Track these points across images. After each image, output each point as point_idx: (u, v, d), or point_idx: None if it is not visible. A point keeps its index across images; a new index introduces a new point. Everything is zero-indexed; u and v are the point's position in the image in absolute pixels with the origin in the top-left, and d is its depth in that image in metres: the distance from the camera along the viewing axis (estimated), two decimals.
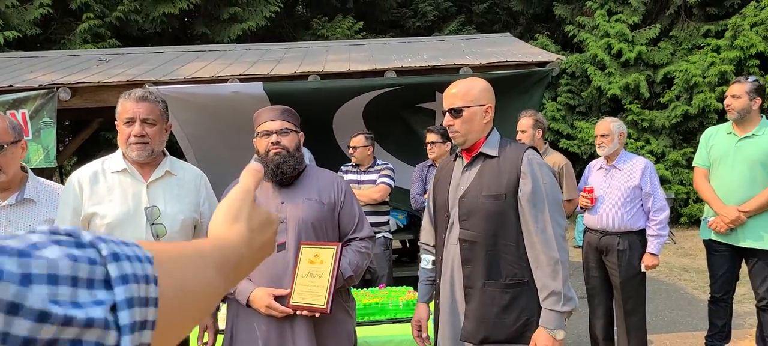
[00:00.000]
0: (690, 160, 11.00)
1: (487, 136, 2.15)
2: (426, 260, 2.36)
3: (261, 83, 4.51)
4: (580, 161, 12.00)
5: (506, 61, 4.85)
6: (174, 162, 2.29)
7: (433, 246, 2.35)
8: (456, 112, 2.10)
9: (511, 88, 4.56)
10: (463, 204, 2.11)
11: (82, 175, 2.13)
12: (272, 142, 2.21)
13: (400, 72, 4.83)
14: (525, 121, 3.96)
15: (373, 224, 2.45)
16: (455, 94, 2.12)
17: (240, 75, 4.86)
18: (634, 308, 3.61)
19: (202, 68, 5.42)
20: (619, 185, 3.60)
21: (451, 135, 2.16)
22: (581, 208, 3.80)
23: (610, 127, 3.69)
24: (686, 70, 10.38)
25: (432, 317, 2.34)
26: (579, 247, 8.73)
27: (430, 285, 2.35)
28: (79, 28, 8.42)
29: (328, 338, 2.20)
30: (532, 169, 2.04)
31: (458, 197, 2.14)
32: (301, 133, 2.36)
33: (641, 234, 3.57)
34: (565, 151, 11.64)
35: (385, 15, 14.61)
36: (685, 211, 10.43)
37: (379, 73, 4.84)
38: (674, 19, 11.49)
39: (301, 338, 2.13)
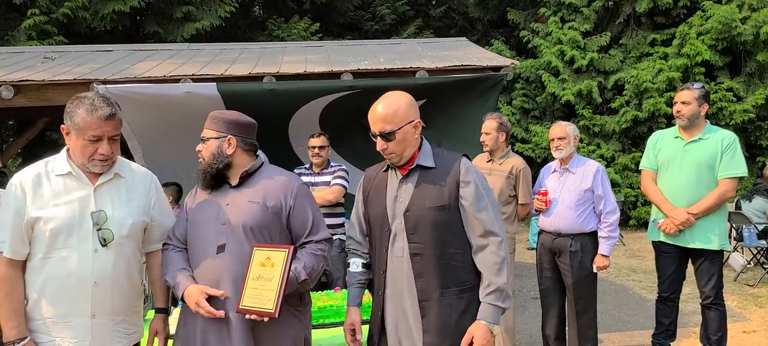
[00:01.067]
0: (638, 164, 11.44)
1: (419, 147, 2.21)
2: (355, 264, 2.34)
3: (215, 84, 4.42)
4: (534, 165, 12.30)
5: (462, 65, 4.93)
6: (122, 163, 2.23)
7: (366, 253, 2.35)
8: (388, 136, 2.12)
9: (467, 91, 4.64)
10: (409, 218, 2.13)
11: (24, 177, 2.04)
12: (198, 150, 2.26)
13: (356, 74, 4.84)
14: (489, 124, 4.01)
15: (327, 226, 2.43)
16: (384, 117, 2.12)
17: (193, 75, 4.77)
18: (585, 307, 3.70)
19: (153, 67, 5.28)
20: (572, 187, 3.69)
21: (386, 156, 2.18)
22: (536, 210, 3.87)
23: (566, 130, 3.79)
24: (636, 76, 10.80)
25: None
26: (533, 249, 8.95)
27: (362, 288, 2.33)
28: (23, 24, 8.05)
29: (269, 341, 2.16)
30: (471, 176, 2.14)
31: (402, 211, 2.15)
32: (230, 137, 2.26)
33: (593, 236, 3.68)
34: (519, 155, 11.90)
35: (342, 17, 14.62)
36: (633, 213, 10.84)
37: (335, 75, 4.83)
38: (624, 28, 11.95)
39: (238, 341, 2.10)
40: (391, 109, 2.13)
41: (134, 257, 2.20)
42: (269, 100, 4.45)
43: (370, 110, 2.18)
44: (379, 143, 2.15)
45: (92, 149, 2.03)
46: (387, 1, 15.20)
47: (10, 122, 6.48)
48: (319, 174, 4.52)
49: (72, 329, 2.04)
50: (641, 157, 4.05)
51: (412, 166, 2.19)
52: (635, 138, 11.27)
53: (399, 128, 2.12)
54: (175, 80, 4.65)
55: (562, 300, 3.85)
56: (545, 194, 3.78)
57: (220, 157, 2.23)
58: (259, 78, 4.75)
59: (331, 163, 4.58)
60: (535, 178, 4.12)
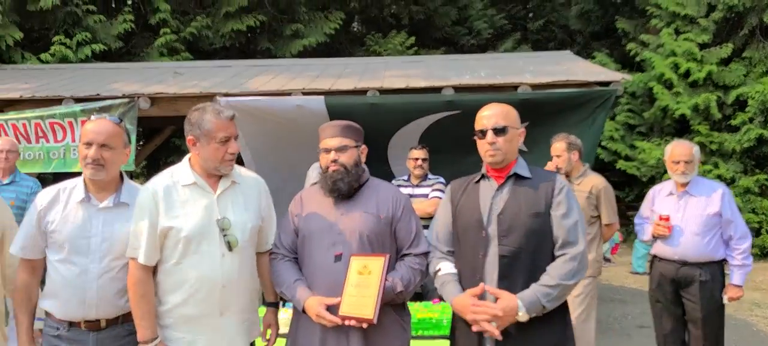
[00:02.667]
0: (764, 187, 10.43)
1: (517, 159, 2.29)
2: (446, 266, 2.31)
3: (323, 98, 4.68)
4: (639, 184, 11.61)
5: (567, 80, 4.84)
6: (235, 170, 2.37)
7: (453, 260, 2.35)
8: (500, 130, 2.21)
9: (572, 109, 4.51)
10: (502, 221, 2.18)
11: (155, 189, 2.21)
12: (331, 160, 2.33)
13: (457, 88, 4.92)
14: (558, 146, 3.92)
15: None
16: (497, 113, 2.24)
17: (303, 89, 5.09)
18: (714, 344, 3.44)
19: (267, 82, 5.70)
20: (697, 212, 3.44)
21: (491, 153, 2.23)
22: (654, 236, 3.62)
23: (692, 152, 3.51)
24: (762, 92, 9.88)
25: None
26: (637, 273, 8.45)
27: (459, 283, 2.28)
28: (156, 42, 9.01)
29: None
30: (567, 192, 2.22)
31: (496, 214, 2.20)
32: (364, 147, 2.45)
33: (722, 265, 3.43)
34: (622, 173, 11.30)
35: (439, 32, 14.72)
36: (757, 241, 9.86)
37: (436, 90, 4.94)
38: (748, 40, 10.99)
39: None
40: (504, 109, 2.25)
41: (252, 259, 2.36)
42: (372, 116, 4.62)
43: (482, 110, 2.28)
44: (489, 136, 2.20)
45: (223, 150, 2.20)
46: (484, 16, 15.11)
47: (140, 129, 7.24)
48: (417, 186, 4.64)
49: (203, 327, 2.22)
50: (767, 179, 3.72)
51: (509, 174, 2.25)
52: (759, 158, 10.29)
53: (511, 127, 2.21)
54: (287, 93, 5.00)
55: (683, 333, 3.58)
56: (667, 219, 3.50)
57: (360, 166, 2.36)
58: (363, 92, 4.98)
59: (429, 176, 4.68)
60: (640, 198, 3.93)
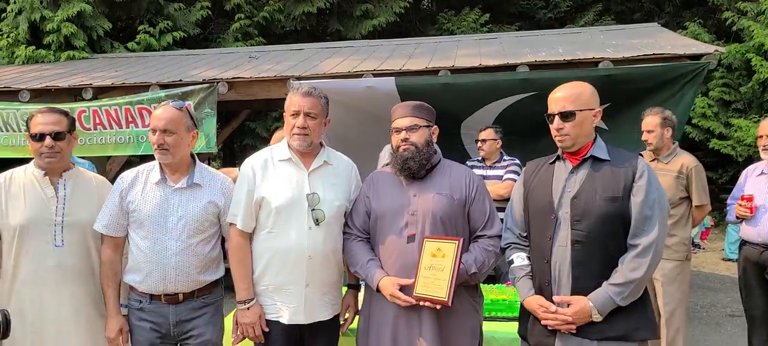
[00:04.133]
0: None
1: (594, 140, 2.18)
2: (520, 258, 2.27)
3: (393, 79, 4.65)
4: (734, 165, 10.77)
5: (653, 54, 4.52)
6: (330, 152, 2.49)
7: (527, 246, 2.29)
8: (567, 115, 2.12)
9: (659, 85, 4.21)
10: (576, 205, 2.09)
11: (254, 162, 2.39)
12: (402, 139, 2.33)
13: (533, 66, 4.72)
14: (652, 120, 3.68)
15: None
16: (565, 97, 2.14)
17: (373, 70, 5.07)
18: None
19: (338, 64, 5.74)
20: None
21: (559, 138, 2.16)
22: (737, 218, 3.47)
23: None
24: None
25: None
26: (730, 260, 7.88)
27: (531, 279, 2.23)
28: (231, 28, 9.33)
29: (453, 330, 2.26)
30: (649, 176, 2.07)
31: (569, 199, 2.12)
32: (435, 127, 2.43)
33: None
34: (716, 153, 10.52)
35: (513, 6, 14.20)
36: None
37: (511, 68, 4.77)
38: None
39: (427, 328, 2.22)
40: (575, 90, 2.15)
41: (339, 237, 2.42)
42: (444, 96, 4.53)
43: (554, 91, 2.19)
44: (556, 122, 2.14)
45: (292, 123, 2.31)
46: None
47: (218, 113, 7.57)
48: (491, 167, 4.52)
49: (290, 295, 2.33)
50: None
51: (586, 156, 2.15)
52: None
53: (580, 110, 2.11)
54: (358, 75, 5.00)
55: None
56: (750, 199, 3.34)
57: (431, 146, 2.35)
58: (434, 72, 4.89)
59: (504, 157, 4.55)
60: (735, 179, 3.66)
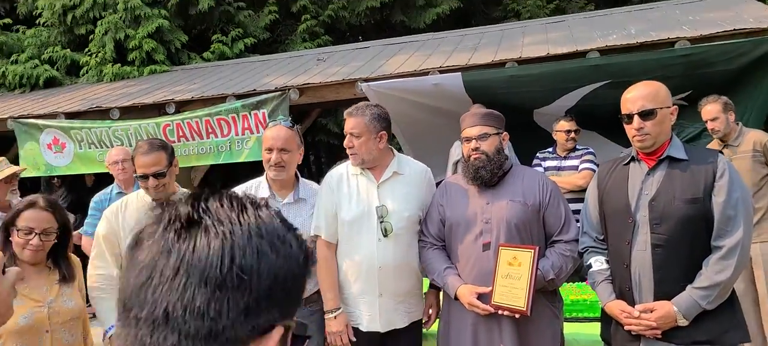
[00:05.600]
0: None
1: (670, 139, 2.13)
2: (598, 262, 2.25)
3: (460, 74, 4.65)
4: None
5: (735, 30, 4.25)
6: (401, 160, 2.57)
7: (605, 249, 2.26)
8: (647, 114, 2.08)
9: (744, 63, 3.94)
10: (654, 208, 2.05)
11: (332, 176, 2.55)
12: (472, 148, 2.36)
13: (603, 51, 4.57)
14: (712, 108, 3.57)
15: (575, 212, 2.44)
16: (644, 96, 2.11)
17: (440, 66, 5.09)
18: None
19: (405, 61, 5.80)
20: None
21: (639, 138, 2.11)
22: None
23: None
24: None
25: None
26: None
27: (611, 283, 2.21)
28: (298, 29, 9.59)
29: (534, 336, 2.29)
30: (730, 175, 2.01)
31: (647, 201, 2.08)
32: (505, 133, 2.44)
33: None
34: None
35: None
36: None
37: (580, 55, 4.64)
38: None
39: (506, 335, 2.26)
40: (651, 89, 2.12)
41: (412, 246, 2.49)
42: (513, 88, 4.48)
43: (626, 92, 2.17)
44: (636, 122, 2.09)
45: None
46: None
47: (291, 116, 7.86)
48: (565, 158, 4.45)
49: (366, 305, 2.46)
50: None
51: (662, 157, 2.11)
52: None
53: (660, 108, 2.08)
54: (424, 73, 5.04)
55: None
56: None
57: (502, 153, 2.39)
58: (501, 64, 4.85)
59: (578, 147, 4.46)
60: None
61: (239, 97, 5.60)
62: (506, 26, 7.23)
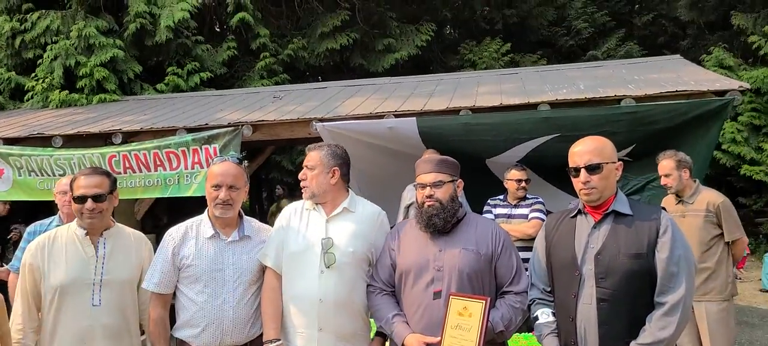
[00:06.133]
0: None
1: (616, 194, 2.17)
2: (545, 314, 2.24)
3: (415, 119, 4.69)
4: (767, 189, 10.48)
5: (676, 91, 4.48)
6: (355, 199, 2.56)
7: (552, 302, 2.27)
8: (594, 168, 2.12)
9: (682, 122, 4.17)
10: (600, 262, 2.07)
11: (288, 209, 2.55)
12: (426, 195, 2.34)
13: (554, 104, 4.71)
14: (666, 164, 3.70)
15: (524, 260, 2.44)
16: (591, 150, 2.15)
17: (395, 110, 5.13)
18: None
19: (361, 103, 5.82)
20: None
21: (586, 191, 2.15)
22: None
23: None
24: None
25: None
26: (767, 291, 7.60)
27: (557, 337, 2.21)
28: (257, 66, 9.55)
29: None
30: (673, 232, 2.04)
31: (593, 255, 2.10)
32: (460, 181, 2.44)
33: None
34: (748, 179, 10.26)
35: (534, 35, 14.20)
36: None
37: (532, 106, 4.77)
38: None
39: None
40: (598, 144, 2.17)
41: (356, 283, 2.43)
42: (466, 136, 4.55)
43: (574, 146, 2.21)
44: (583, 176, 2.13)
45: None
46: (584, 13, 14.36)
47: (243, 152, 7.73)
48: (516, 206, 4.50)
49: (304, 339, 2.37)
50: None
51: (607, 211, 2.15)
52: None
53: (606, 163, 2.12)
54: (380, 116, 5.06)
55: None
56: None
57: (456, 201, 2.37)
58: (455, 111, 4.92)
59: (528, 196, 4.52)
60: None
61: (190, 130, 5.46)
62: (462, 75, 7.41)
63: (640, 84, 4.99)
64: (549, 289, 2.27)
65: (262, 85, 9.01)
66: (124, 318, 2.51)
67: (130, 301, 2.54)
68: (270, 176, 11.57)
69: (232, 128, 5.36)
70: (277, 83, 9.28)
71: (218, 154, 5.27)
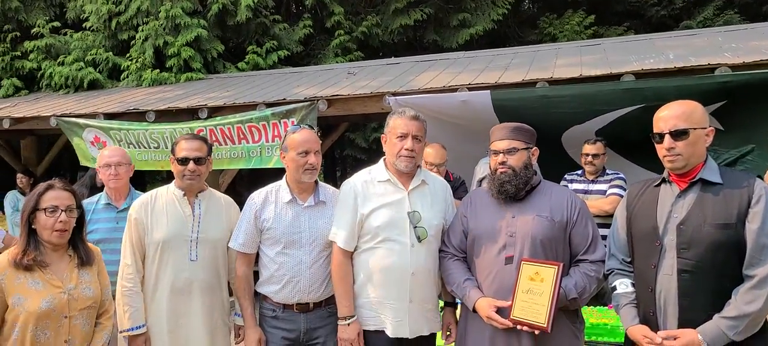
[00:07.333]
0: None
1: (705, 161, 2.05)
2: (624, 284, 2.19)
3: (489, 92, 4.61)
4: None
5: None
6: (425, 172, 2.58)
7: (631, 272, 2.19)
8: (680, 134, 2.01)
9: None
10: (682, 233, 1.99)
11: (355, 182, 2.53)
12: (499, 162, 2.33)
13: (639, 75, 4.46)
14: None
15: (602, 238, 2.38)
16: (678, 115, 2.04)
17: (468, 84, 5.06)
18: None
19: (434, 78, 5.78)
20: None
21: (670, 158, 2.05)
22: None
23: None
24: None
25: None
26: None
27: (636, 307, 2.15)
28: (331, 43, 9.70)
29: None
30: (766, 201, 1.91)
31: (675, 225, 2.01)
32: (535, 149, 2.40)
33: None
34: None
35: (620, 5, 13.34)
36: None
37: (615, 77, 4.53)
38: None
39: None
40: (687, 108, 2.05)
41: (436, 254, 2.49)
42: (542, 109, 4.41)
43: (659, 110, 2.10)
44: (667, 142, 2.04)
45: (400, 146, 2.40)
46: None
47: (319, 128, 7.94)
48: (593, 182, 4.35)
49: (393, 310, 2.42)
50: None
51: (694, 179, 2.04)
52: None
53: (693, 129, 2.01)
54: (452, 90, 5.01)
55: None
56: None
57: (530, 169, 2.35)
58: (531, 84, 4.78)
59: (608, 171, 4.35)
60: None
61: (269, 105, 5.67)
62: (540, 47, 7.17)
63: (738, 52, 4.61)
64: (629, 260, 2.21)
65: (337, 62, 9.15)
66: (217, 274, 2.70)
67: (222, 259, 2.73)
68: (344, 153, 11.79)
69: (309, 103, 5.51)
70: (350, 61, 9.40)
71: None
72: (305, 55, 10.10)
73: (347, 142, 11.17)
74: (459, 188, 4.11)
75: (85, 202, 3.29)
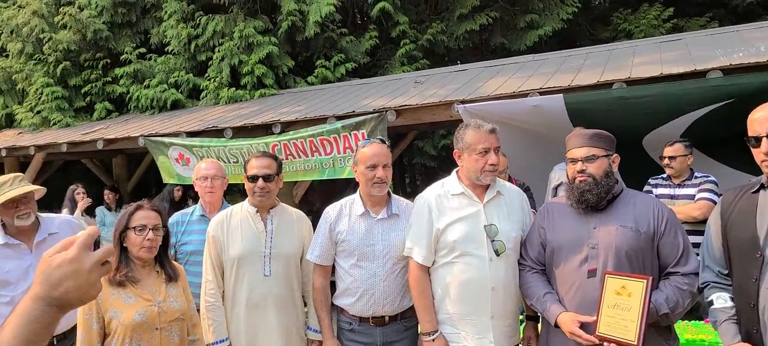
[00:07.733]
0: None
1: None
2: (722, 299, 2.03)
3: (561, 96, 4.47)
4: None
5: None
6: (500, 183, 2.53)
7: (730, 285, 2.03)
8: None
9: None
10: None
11: (429, 196, 2.51)
12: (578, 170, 2.24)
13: (727, 71, 4.17)
14: None
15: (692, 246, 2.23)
16: None
17: (540, 88, 4.93)
18: None
19: (503, 83, 5.68)
20: None
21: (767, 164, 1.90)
22: None
23: None
24: None
25: None
26: None
27: (736, 324, 1.99)
28: (397, 53, 9.78)
29: None
30: None
31: None
32: (615, 156, 2.31)
33: None
34: None
35: None
36: None
37: (700, 75, 4.26)
38: None
39: None
40: None
41: (516, 267, 2.44)
42: (620, 111, 4.21)
43: (754, 112, 1.95)
44: (764, 146, 1.89)
45: (483, 161, 2.36)
46: None
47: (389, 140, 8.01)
48: (680, 186, 4.11)
49: (476, 326, 2.38)
50: None
51: None
52: None
53: None
54: (523, 95, 4.90)
55: None
56: None
57: (611, 176, 2.26)
58: (607, 85, 4.59)
59: (697, 174, 4.09)
60: None
61: (339, 118, 5.79)
62: (615, 46, 6.86)
63: None
64: (726, 272, 2.06)
65: (403, 71, 9.21)
66: (290, 289, 2.78)
67: (295, 273, 2.80)
68: (413, 161, 11.81)
69: (377, 114, 5.58)
70: (417, 69, 9.42)
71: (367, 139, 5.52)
72: (372, 65, 10.24)
73: (416, 150, 11.18)
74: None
75: (180, 213, 3.46)
